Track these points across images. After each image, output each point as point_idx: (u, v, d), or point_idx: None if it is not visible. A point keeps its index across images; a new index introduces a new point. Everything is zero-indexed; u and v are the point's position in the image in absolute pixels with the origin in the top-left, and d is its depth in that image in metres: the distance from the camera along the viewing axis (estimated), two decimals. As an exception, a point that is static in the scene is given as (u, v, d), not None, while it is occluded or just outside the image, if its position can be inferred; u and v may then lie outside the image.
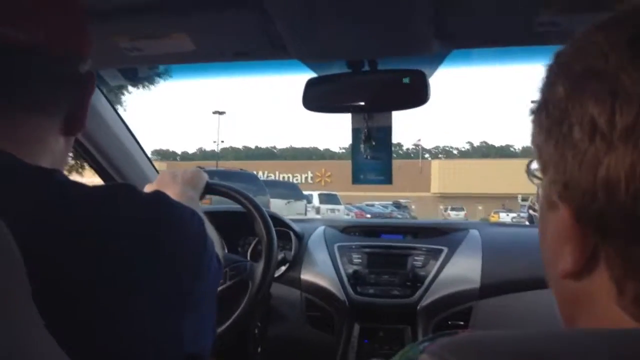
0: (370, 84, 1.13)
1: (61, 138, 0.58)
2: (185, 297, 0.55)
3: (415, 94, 1.09)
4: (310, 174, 44.58)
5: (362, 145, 1.23)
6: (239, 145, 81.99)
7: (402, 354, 0.37)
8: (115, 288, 0.49)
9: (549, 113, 0.36)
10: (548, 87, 0.37)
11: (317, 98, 1.15)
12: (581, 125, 0.32)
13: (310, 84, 1.13)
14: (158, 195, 0.59)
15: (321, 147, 78.31)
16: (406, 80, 1.08)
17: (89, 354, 0.46)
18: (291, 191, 13.79)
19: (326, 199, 19.31)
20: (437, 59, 1.10)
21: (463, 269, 1.54)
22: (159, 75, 1.18)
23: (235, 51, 1.03)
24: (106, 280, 0.49)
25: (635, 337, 0.29)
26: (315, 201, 18.38)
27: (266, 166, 46.58)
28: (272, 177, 38.56)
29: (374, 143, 1.21)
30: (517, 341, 0.29)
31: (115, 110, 1.35)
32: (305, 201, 13.98)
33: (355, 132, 1.22)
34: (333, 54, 1.07)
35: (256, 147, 79.90)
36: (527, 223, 9.92)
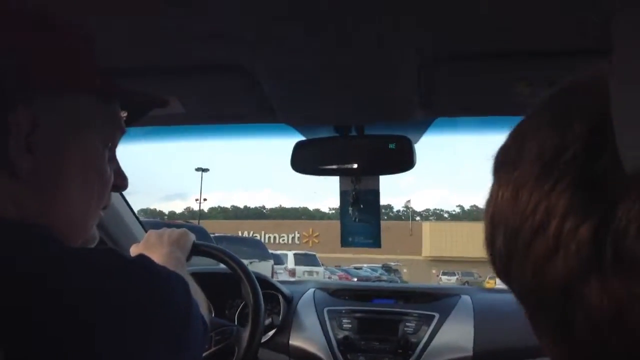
0: (358, 148, 1.15)
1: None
2: None
3: (401, 159, 1.10)
4: (297, 234, 43.97)
5: (350, 208, 1.23)
6: (227, 205, 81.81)
7: None
8: (88, 354, 0.47)
9: None
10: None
11: (305, 160, 1.16)
12: None
13: (298, 147, 1.15)
14: (141, 261, 0.58)
15: (311, 207, 78.01)
16: (392, 145, 1.10)
17: None
18: (255, 249, 11.26)
19: (303, 259, 16.93)
20: (423, 126, 1.12)
21: (455, 336, 1.50)
22: (148, 135, 1.20)
23: (224, 114, 1.06)
24: (78, 354, 0.46)
25: None
26: (290, 262, 16.13)
27: (252, 226, 45.75)
28: (257, 237, 37.93)
29: (362, 206, 1.22)
30: None
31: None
32: (271, 262, 11.63)
33: (344, 194, 1.23)
34: (321, 119, 1.10)
35: (245, 206, 79.48)
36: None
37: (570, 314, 0.29)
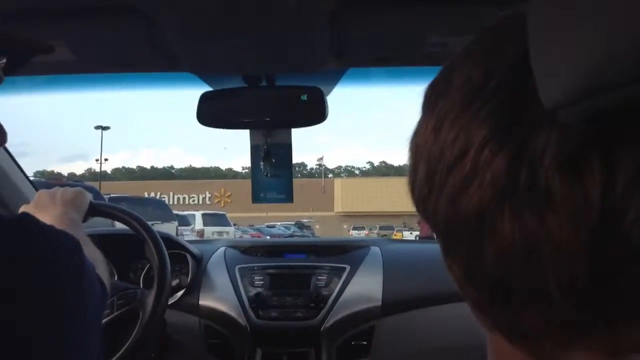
0: (268, 100, 1.10)
1: None
2: (58, 331, 0.49)
3: (313, 111, 1.08)
4: (209, 194, 43.31)
5: (262, 163, 1.19)
6: (133, 165, 78.42)
7: None
8: None
9: None
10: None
11: (212, 113, 1.10)
12: None
13: (204, 98, 1.08)
14: (23, 219, 0.52)
15: (223, 167, 76.96)
16: (304, 97, 1.07)
17: None
18: (157, 210, 10.57)
19: (212, 220, 16.23)
20: (334, 77, 1.10)
21: (365, 287, 1.55)
22: (37, 86, 1.07)
23: (120, 62, 0.96)
24: None
25: None
26: (198, 223, 15.40)
27: (159, 187, 44.49)
28: (166, 199, 36.62)
29: (274, 160, 1.19)
30: None
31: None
32: (175, 223, 10.98)
33: (255, 149, 1.18)
34: (227, 68, 1.03)
35: (152, 167, 76.88)
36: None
37: (481, 248, 0.29)
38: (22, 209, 0.96)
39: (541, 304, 0.28)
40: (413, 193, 0.35)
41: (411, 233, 23.22)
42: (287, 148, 1.19)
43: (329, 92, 1.12)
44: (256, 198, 1.22)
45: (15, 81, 1.02)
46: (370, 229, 29.98)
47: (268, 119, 1.11)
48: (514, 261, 0.27)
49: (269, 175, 1.21)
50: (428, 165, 0.32)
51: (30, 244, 0.49)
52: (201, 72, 1.04)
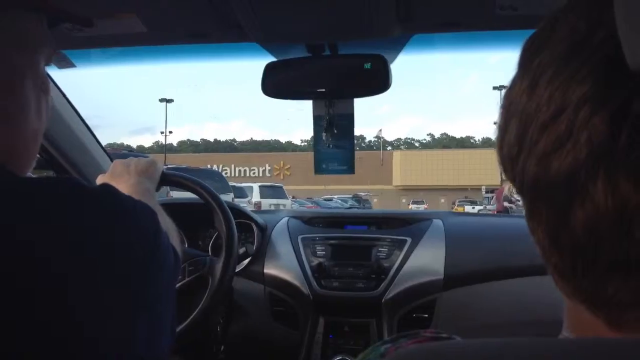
0: (331, 69, 1.10)
1: None
2: (137, 297, 0.51)
3: (376, 80, 1.07)
4: (268, 167, 43.83)
5: (324, 134, 1.20)
6: (197, 138, 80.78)
7: (364, 356, 0.36)
8: (55, 288, 0.45)
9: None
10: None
11: (276, 84, 1.11)
12: None
13: (269, 69, 1.10)
14: (105, 189, 0.55)
15: (283, 140, 78.03)
16: (367, 65, 1.06)
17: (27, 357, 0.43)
18: (214, 181, 10.36)
19: (269, 192, 16.08)
20: (398, 45, 1.08)
21: (426, 260, 1.54)
22: (110, 59, 1.12)
23: (189, 33, 0.99)
24: (44, 282, 0.44)
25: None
26: (256, 195, 15.20)
27: (222, 159, 45.33)
28: (227, 171, 37.42)
29: (335, 131, 1.19)
30: (474, 351, 0.28)
31: (65, 97, 1.28)
32: (231, 195, 10.83)
33: (317, 119, 1.19)
34: (292, 36, 1.03)
35: (215, 139, 78.93)
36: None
37: (570, 211, 0.28)
38: (100, 178, 1.01)
39: (627, 273, 0.27)
40: (501, 152, 0.34)
41: (473, 207, 22.44)
42: (350, 118, 1.19)
43: (393, 60, 1.11)
44: (318, 169, 1.23)
45: (90, 54, 1.08)
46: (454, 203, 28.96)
47: (331, 89, 1.11)
48: (603, 227, 0.27)
49: (330, 146, 1.21)
50: (520, 123, 0.31)
51: (113, 215, 0.52)
52: (266, 42, 1.05)
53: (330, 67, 1.10)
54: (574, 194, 0.27)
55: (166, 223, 0.84)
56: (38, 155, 0.62)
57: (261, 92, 1.11)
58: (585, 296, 0.30)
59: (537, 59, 0.30)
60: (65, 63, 1.07)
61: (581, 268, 0.29)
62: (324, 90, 1.12)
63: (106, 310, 0.48)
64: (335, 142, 1.21)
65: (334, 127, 1.19)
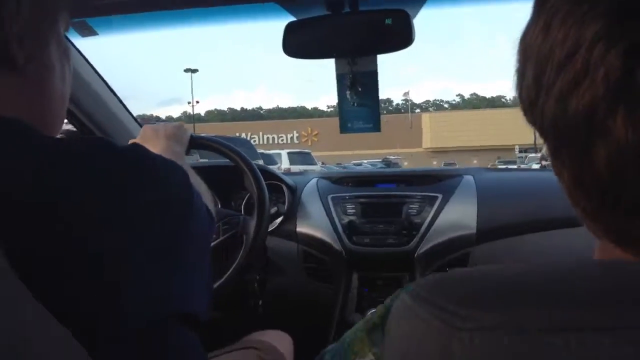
0: (352, 26, 1.08)
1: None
2: (172, 253, 0.51)
3: (399, 35, 1.04)
4: (296, 134, 43.63)
5: (348, 92, 1.19)
6: (224, 107, 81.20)
7: (393, 296, 0.37)
8: (89, 246, 0.46)
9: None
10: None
11: (297, 43, 1.10)
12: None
13: (289, 29, 1.09)
14: (135, 147, 0.54)
15: (309, 107, 77.46)
16: (389, 21, 1.03)
17: (66, 310, 0.44)
18: (242, 149, 10.19)
19: (298, 158, 16.06)
20: (420, -3, 1.04)
21: (458, 215, 1.53)
22: (129, 25, 1.13)
23: None
24: (78, 241, 0.45)
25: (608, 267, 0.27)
26: (285, 161, 15.17)
27: (249, 127, 45.32)
28: (255, 139, 37.41)
29: (359, 89, 1.17)
30: (496, 276, 0.28)
31: (92, 66, 1.31)
32: (260, 162, 10.73)
33: (340, 78, 1.18)
34: (310, -7, 1.01)
35: (242, 108, 78.91)
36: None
37: (592, 150, 0.28)
38: (130, 143, 1.05)
39: None
40: (521, 97, 0.34)
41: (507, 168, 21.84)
42: (373, 75, 1.17)
43: (415, 14, 1.07)
44: (344, 128, 1.23)
45: (111, 21, 1.09)
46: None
47: (352, 46, 1.09)
48: (626, 163, 0.27)
49: (355, 104, 1.20)
50: (537, 66, 0.31)
51: (143, 173, 0.52)
52: (284, 1, 1.04)
53: (351, 24, 1.08)
54: (594, 131, 0.27)
55: (198, 184, 0.84)
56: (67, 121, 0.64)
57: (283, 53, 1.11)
58: (614, 235, 0.31)
59: (550, 0, 0.30)
60: (88, 31, 1.09)
61: (608, 208, 0.29)
62: (345, 48, 1.10)
63: (138, 272, 0.48)
64: (360, 100, 1.19)
65: (358, 85, 1.17)
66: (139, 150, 0.54)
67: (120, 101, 1.45)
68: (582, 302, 0.24)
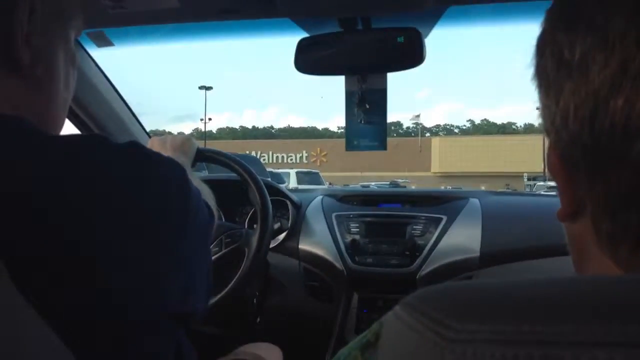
0: (364, 43, 1.09)
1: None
2: (169, 254, 0.51)
3: (410, 54, 1.05)
4: (305, 153, 43.72)
5: (356, 109, 1.19)
6: (236, 125, 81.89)
7: (388, 313, 0.36)
8: (84, 245, 0.45)
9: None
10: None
11: (309, 60, 1.11)
12: (552, 57, 0.32)
13: (301, 45, 1.10)
14: (132, 143, 0.54)
15: (320, 127, 77.78)
16: (400, 39, 1.04)
17: (64, 313, 0.44)
18: (251, 166, 10.61)
19: (306, 178, 16.26)
20: (433, 17, 1.05)
21: (462, 238, 1.52)
22: (145, 37, 1.15)
23: (222, 8, 1.00)
24: (74, 237, 0.45)
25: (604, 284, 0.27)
26: (293, 181, 15.30)
27: (259, 145, 45.46)
28: (265, 157, 37.55)
29: (368, 106, 1.18)
30: (491, 288, 0.28)
31: (105, 76, 1.32)
32: (268, 180, 11.27)
33: (349, 95, 1.18)
34: (323, 10, 1.02)
35: (253, 127, 79.54)
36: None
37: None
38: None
39: None
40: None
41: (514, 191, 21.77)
42: (382, 93, 1.17)
43: (427, 34, 1.08)
44: (350, 145, 1.23)
45: (128, 32, 1.11)
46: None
47: (363, 64, 1.10)
48: None
49: (362, 121, 1.20)
50: (554, 55, 0.32)
51: (142, 169, 0.51)
52: (297, 16, 1.05)
53: (363, 41, 1.09)
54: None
55: (199, 185, 0.83)
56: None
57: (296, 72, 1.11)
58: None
59: None
60: (104, 42, 1.10)
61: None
62: (356, 65, 1.11)
63: (135, 265, 0.47)
64: (367, 118, 1.20)
65: (366, 103, 1.18)
66: (137, 147, 0.54)
67: (132, 111, 1.46)
68: (578, 316, 0.24)
